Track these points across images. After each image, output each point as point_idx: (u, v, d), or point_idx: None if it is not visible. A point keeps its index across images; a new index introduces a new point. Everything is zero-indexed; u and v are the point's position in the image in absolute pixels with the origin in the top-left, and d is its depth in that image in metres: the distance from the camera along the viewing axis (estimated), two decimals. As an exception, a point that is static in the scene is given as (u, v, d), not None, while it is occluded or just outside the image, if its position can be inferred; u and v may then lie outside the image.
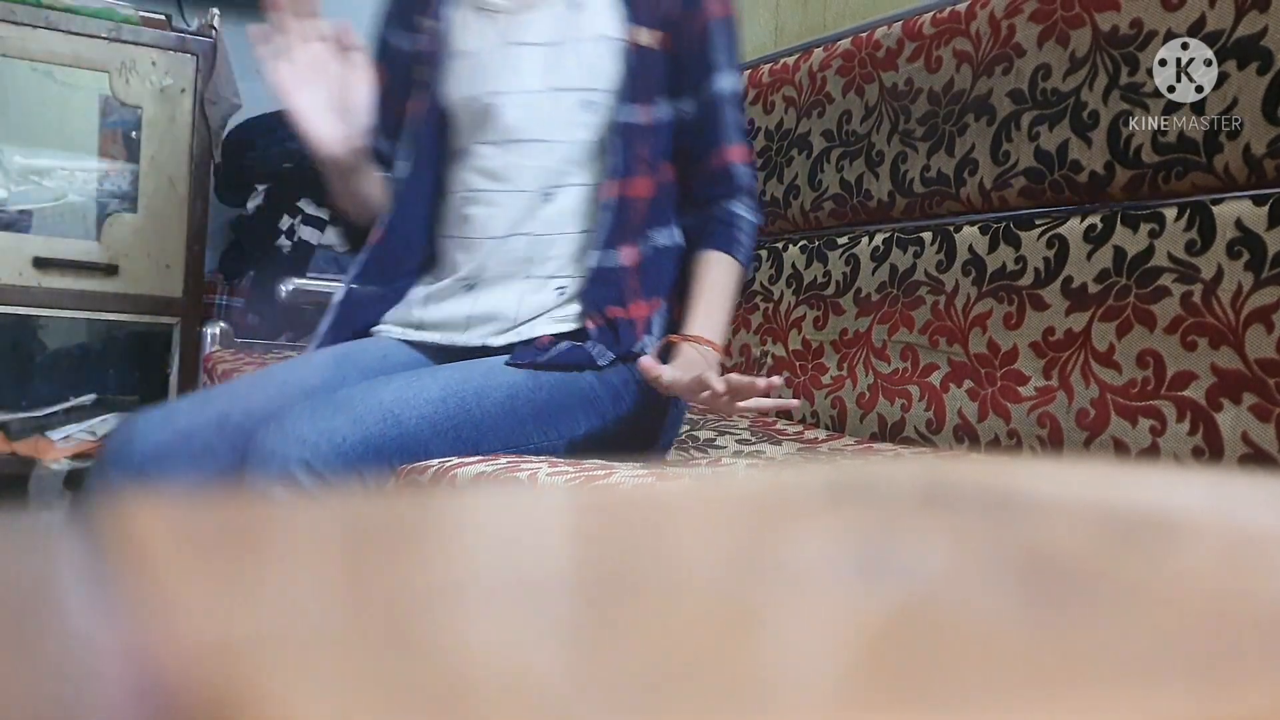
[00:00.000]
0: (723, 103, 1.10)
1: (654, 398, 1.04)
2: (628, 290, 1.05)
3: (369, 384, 0.92)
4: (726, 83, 1.10)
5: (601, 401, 1.01)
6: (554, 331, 1.05)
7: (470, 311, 1.08)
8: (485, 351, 1.05)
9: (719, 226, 1.09)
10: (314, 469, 0.84)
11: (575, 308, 1.07)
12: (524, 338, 1.05)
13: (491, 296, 1.08)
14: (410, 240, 1.14)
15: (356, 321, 1.13)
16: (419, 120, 1.13)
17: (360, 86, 1.03)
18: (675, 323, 1.10)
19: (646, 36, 1.07)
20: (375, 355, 1.08)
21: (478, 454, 0.91)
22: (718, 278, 1.08)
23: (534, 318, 1.06)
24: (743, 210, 1.11)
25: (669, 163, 1.12)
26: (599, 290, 1.05)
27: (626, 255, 1.06)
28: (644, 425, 1.05)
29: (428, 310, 1.11)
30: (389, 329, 1.13)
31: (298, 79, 1.01)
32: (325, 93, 1.03)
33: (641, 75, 1.07)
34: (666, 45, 1.09)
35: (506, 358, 1.01)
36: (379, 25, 1.20)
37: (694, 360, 1.00)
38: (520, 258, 1.08)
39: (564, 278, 1.08)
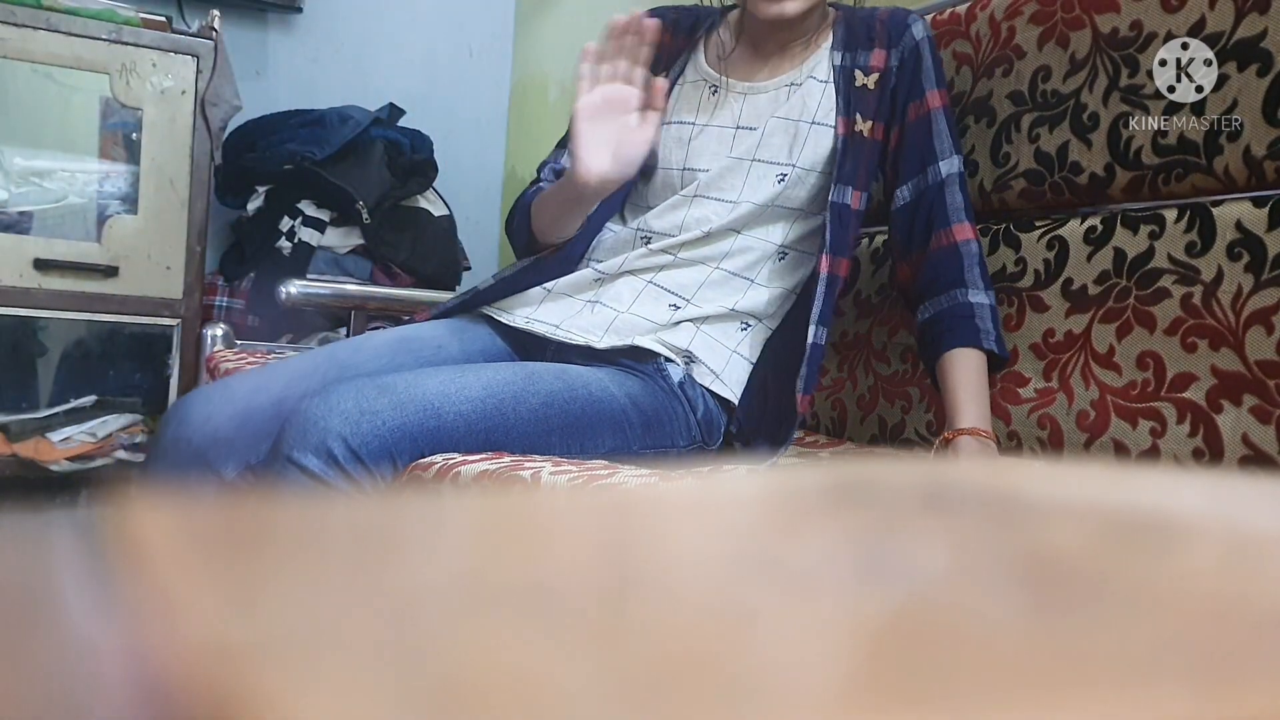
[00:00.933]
0: (944, 187, 1.12)
1: (688, 435, 1.07)
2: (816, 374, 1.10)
3: (416, 373, 0.95)
4: (948, 167, 1.13)
5: (633, 426, 1.03)
6: (658, 351, 1.09)
7: (589, 318, 1.13)
8: (581, 352, 1.09)
9: (960, 322, 1.09)
10: (350, 445, 0.86)
11: (685, 333, 1.11)
12: (625, 342, 1.08)
13: (608, 302, 1.13)
14: (570, 260, 1.17)
15: (477, 301, 1.18)
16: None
17: (642, 143, 1.04)
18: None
19: (861, 124, 1.12)
20: (431, 345, 1.12)
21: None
22: (973, 372, 1.07)
23: (642, 328, 1.10)
24: (978, 297, 1.10)
25: (898, 258, 1.16)
26: (810, 369, 1.07)
27: (823, 333, 1.10)
28: (669, 457, 1.07)
29: (543, 307, 1.15)
30: (495, 311, 1.17)
31: (595, 107, 1.03)
32: (610, 131, 1.04)
33: (854, 160, 1.11)
34: (883, 135, 1.14)
35: (550, 365, 1.04)
36: None
37: (975, 450, 1.01)
38: (648, 266, 1.13)
39: (684, 301, 1.12)
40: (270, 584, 0.15)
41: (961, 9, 1.28)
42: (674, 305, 1.12)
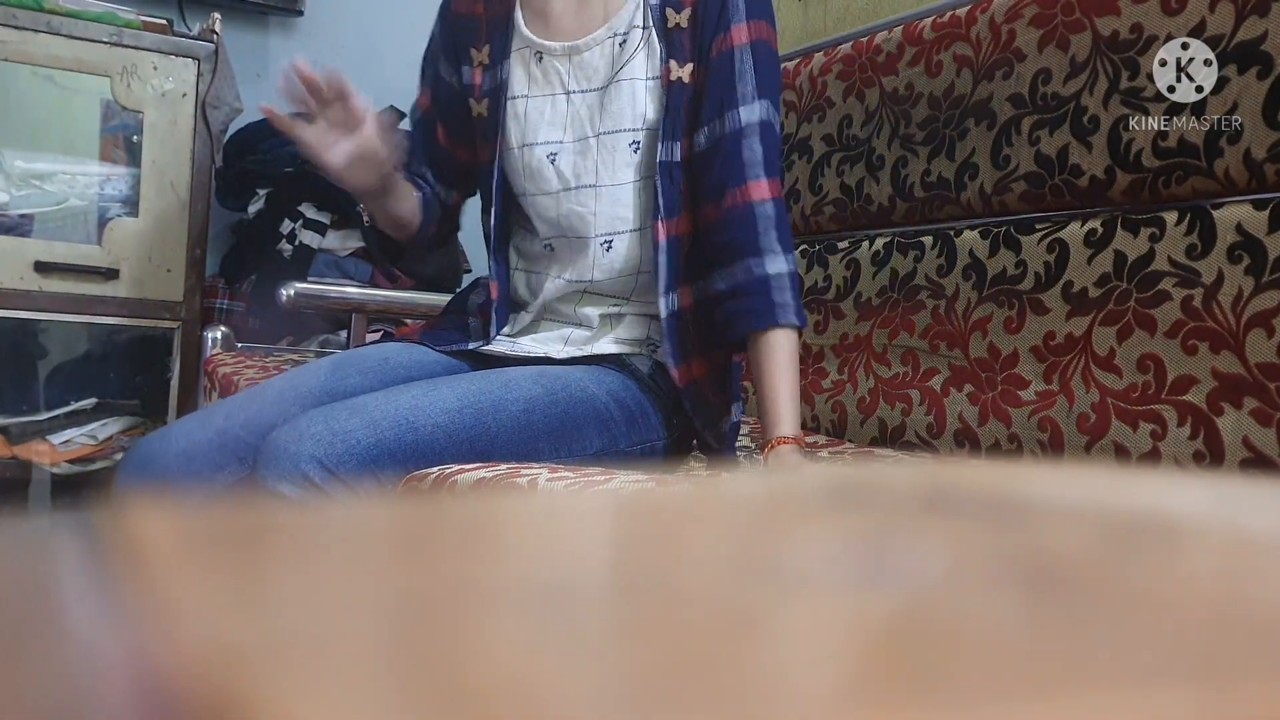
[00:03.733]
0: (742, 136, 1.01)
1: (668, 427, 1.06)
2: (689, 342, 1.06)
3: (386, 391, 0.93)
4: (749, 114, 1.01)
5: (617, 424, 1.01)
6: (617, 352, 1.08)
7: (534, 333, 1.13)
8: (539, 361, 1.08)
9: (758, 300, 0.99)
10: (327, 466, 0.84)
11: (634, 333, 1.10)
12: (585, 353, 1.08)
13: (554, 328, 1.13)
14: (505, 279, 1.16)
15: (439, 341, 1.16)
16: (486, 166, 1.13)
17: (367, 124, 1.02)
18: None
19: (678, 71, 1.03)
20: (376, 359, 1.09)
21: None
22: (784, 364, 0.99)
23: (598, 336, 1.10)
24: (775, 265, 0.99)
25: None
26: (672, 341, 1.04)
27: (684, 297, 1.05)
28: (656, 452, 1.06)
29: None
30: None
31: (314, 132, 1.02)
32: (333, 129, 1.03)
33: (677, 111, 1.03)
34: (696, 77, 1.04)
35: (526, 370, 1.02)
36: (430, 51, 1.21)
37: (797, 461, 0.97)
38: (581, 301, 1.11)
39: (623, 308, 1.11)
40: (270, 587, 0.15)
41: (962, 11, 1.28)
42: (615, 303, 1.10)
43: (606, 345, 1.09)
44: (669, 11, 1.04)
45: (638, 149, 1.05)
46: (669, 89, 1.03)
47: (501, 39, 1.11)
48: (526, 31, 1.09)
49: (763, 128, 1.02)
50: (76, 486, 1.96)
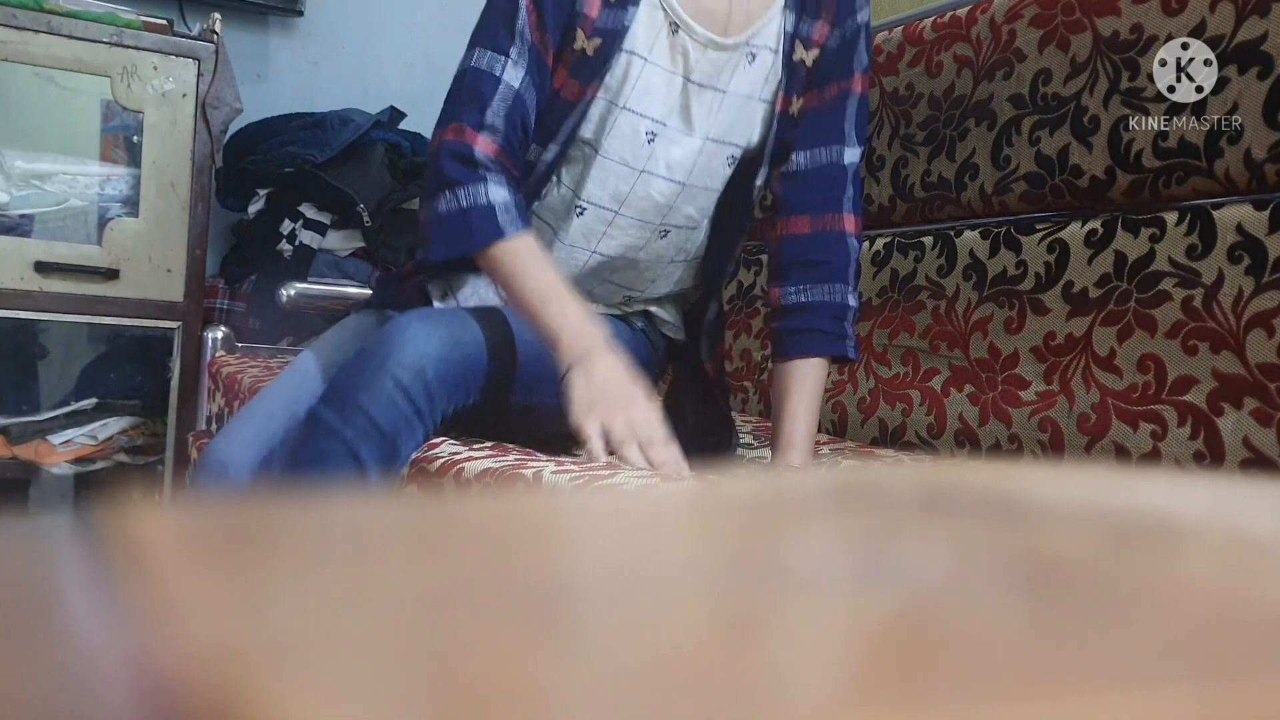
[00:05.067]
0: (845, 171, 1.08)
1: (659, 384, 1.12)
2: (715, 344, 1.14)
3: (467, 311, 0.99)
4: (852, 155, 1.08)
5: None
6: (612, 313, 1.14)
7: None
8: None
9: (833, 324, 1.04)
10: (424, 379, 0.89)
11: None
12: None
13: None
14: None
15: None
16: (569, 104, 1.03)
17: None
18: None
19: (795, 104, 1.07)
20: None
21: (511, 396, 0.99)
22: (817, 388, 1.03)
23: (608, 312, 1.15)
24: (853, 299, 1.06)
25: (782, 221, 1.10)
26: (711, 343, 1.11)
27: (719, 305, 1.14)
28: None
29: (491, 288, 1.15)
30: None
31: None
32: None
33: (781, 140, 1.07)
34: (802, 108, 1.08)
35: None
36: None
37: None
38: (617, 283, 1.12)
39: (645, 300, 1.16)
40: (272, 587, 0.15)
41: (962, 12, 1.28)
42: (625, 292, 1.15)
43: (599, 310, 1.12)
44: (799, 45, 1.05)
45: (733, 163, 1.07)
46: (779, 118, 1.05)
47: None
48: None
49: (857, 172, 1.09)
50: (76, 486, 1.96)
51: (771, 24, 1.03)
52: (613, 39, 0.99)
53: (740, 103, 1.03)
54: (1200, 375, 0.97)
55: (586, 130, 1.03)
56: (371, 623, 0.13)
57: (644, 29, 1.00)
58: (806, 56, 1.05)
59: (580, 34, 1.00)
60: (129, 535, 0.17)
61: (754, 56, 1.03)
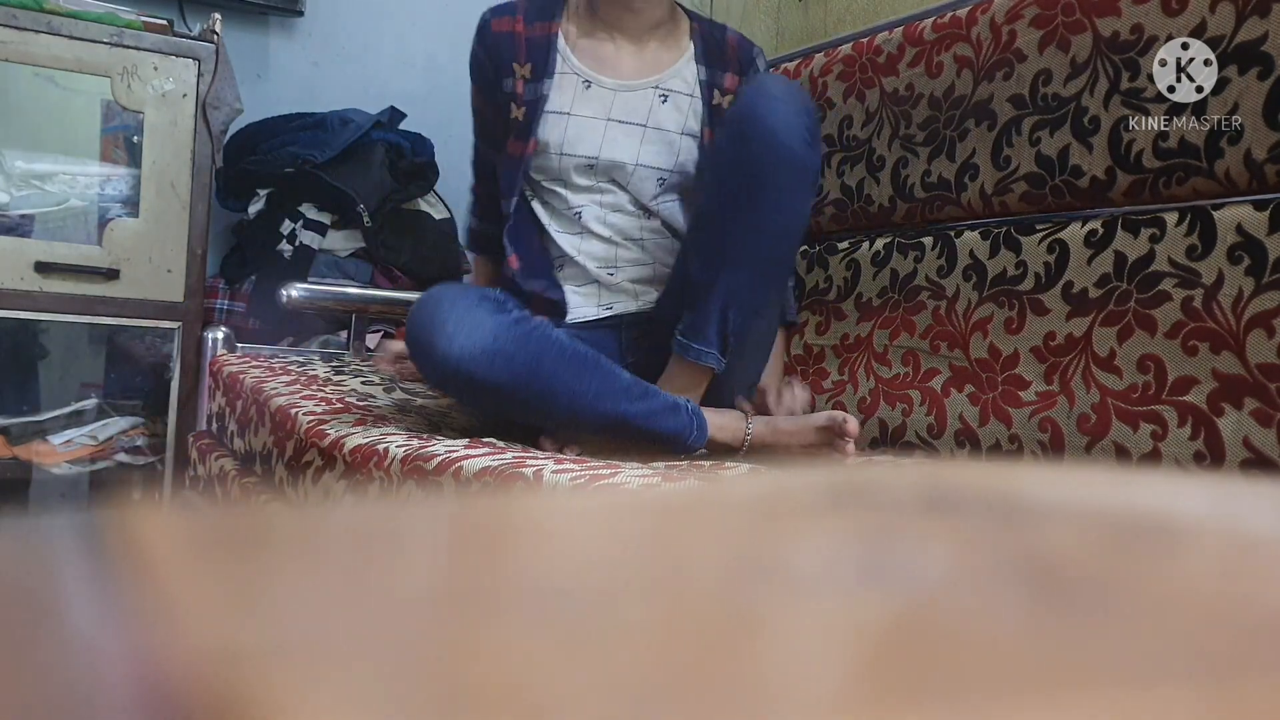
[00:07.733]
0: None
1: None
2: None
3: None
4: None
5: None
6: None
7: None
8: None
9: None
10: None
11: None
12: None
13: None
14: (535, 256, 1.29)
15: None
16: (516, 159, 1.26)
17: None
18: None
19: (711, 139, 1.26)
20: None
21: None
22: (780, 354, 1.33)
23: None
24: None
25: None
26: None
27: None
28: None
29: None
30: None
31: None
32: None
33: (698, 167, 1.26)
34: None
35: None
36: (477, 65, 1.28)
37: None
38: (604, 277, 1.28)
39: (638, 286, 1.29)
40: (273, 587, 0.15)
41: (962, 12, 1.28)
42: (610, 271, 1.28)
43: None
44: (715, 92, 1.26)
45: (663, 184, 1.25)
46: (704, 148, 1.25)
47: (544, 59, 1.24)
48: (576, 61, 1.24)
49: None
50: (77, 487, 1.96)
51: (684, 71, 1.25)
52: (535, 106, 1.22)
53: (659, 135, 1.23)
54: (1200, 375, 0.97)
55: (542, 177, 1.26)
56: (372, 623, 0.13)
57: (561, 92, 1.23)
58: (723, 101, 1.26)
59: (513, 106, 1.24)
60: (129, 535, 0.17)
61: (666, 97, 1.24)
